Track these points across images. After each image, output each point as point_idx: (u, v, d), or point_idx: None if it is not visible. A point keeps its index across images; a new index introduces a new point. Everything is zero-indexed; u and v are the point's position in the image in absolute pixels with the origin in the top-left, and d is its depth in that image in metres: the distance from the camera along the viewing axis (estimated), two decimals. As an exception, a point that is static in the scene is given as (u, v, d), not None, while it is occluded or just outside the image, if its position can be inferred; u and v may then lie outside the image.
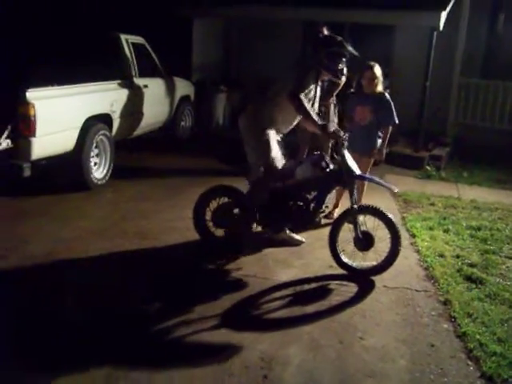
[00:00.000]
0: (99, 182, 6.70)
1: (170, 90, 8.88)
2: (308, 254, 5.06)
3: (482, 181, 8.53)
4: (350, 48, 4.69)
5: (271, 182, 4.74)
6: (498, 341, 3.71)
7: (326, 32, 7.23)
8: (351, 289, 4.41)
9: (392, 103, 5.71)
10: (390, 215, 4.54)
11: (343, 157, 4.58)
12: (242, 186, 4.98)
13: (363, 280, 4.55)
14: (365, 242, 4.56)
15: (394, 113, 5.71)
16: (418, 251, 5.30)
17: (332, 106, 7.27)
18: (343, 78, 7.27)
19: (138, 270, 4.61)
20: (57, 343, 3.43)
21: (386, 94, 5.75)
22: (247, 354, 3.40)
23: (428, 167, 8.96)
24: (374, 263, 4.60)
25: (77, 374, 3.15)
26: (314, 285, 4.47)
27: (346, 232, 4.67)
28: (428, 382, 3.25)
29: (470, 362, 3.47)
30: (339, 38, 4.77)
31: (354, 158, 5.01)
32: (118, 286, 4.25)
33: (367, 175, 5.20)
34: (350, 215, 4.60)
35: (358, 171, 4.66)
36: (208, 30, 11.53)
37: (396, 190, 5.01)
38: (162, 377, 3.18)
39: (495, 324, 3.95)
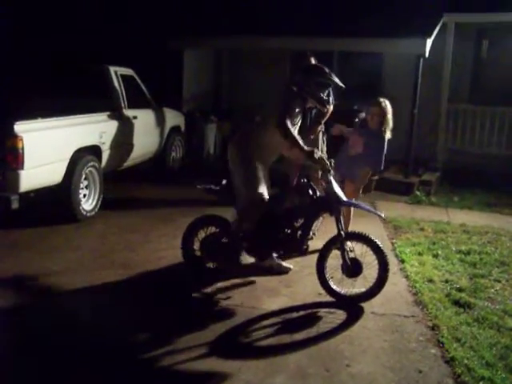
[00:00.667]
0: (88, 214, 6.69)
1: (160, 120, 8.93)
2: (296, 282, 5.04)
3: (472, 205, 8.56)
4: (336, 79, 4.78)
5: (258, 213, 4.70)
6: (487, 365, 3.70)
7: (313, 61, 7.36)
8: (339, 316, 4.39)
9: (384, 149, 5.65)
10: (378, 241, 4.54)
11: (330, 183, 4.61)
12: (230, 215, 4.98)
13: (351, 307, 4.53)
14: (353, 268, 4.54)
15: (382, 159, 5.67)
16: (406, 277, 5.29)
17: (320, 134, 7.33)
18: (329, 107, 7.39)
19: (125, 301, 4.59)
20: (41, 378, 3.39)
21: (385, 138, 5.65)
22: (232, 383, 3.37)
23: (418, 192, 8.99)
24: (363, 289, 4.58)
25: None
26: (302, 313, 4.45)
27: (335, 259, 4.66)
28: (415, 409, 3.22)
29: (457, 388, 3.44)
30: (326, 69, 4.84)
31: (340, 181, 5.25)
32: (104, 319, 4.22)
33: (354, 201, 5.19)
34: (337, 242, 4.59)
35: (344, 198, 4.68)
36: (198, 60, 11.67)
37: (383, 216, 5.04)
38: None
39: (483, 348, 3.93)
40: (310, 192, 4.70)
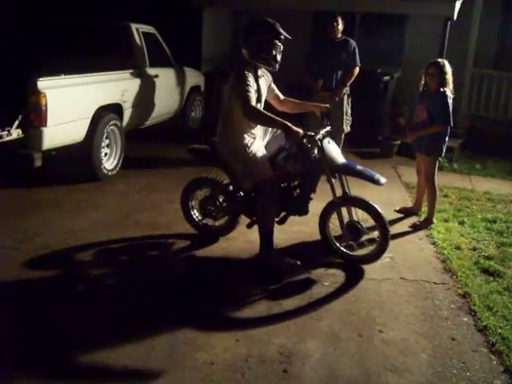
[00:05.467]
0: (110, 173, 6.64)
1: (181, 80, 8.79)
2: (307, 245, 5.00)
3: (495, 173, 8.44)
4: (279, 30, 4.20)
5: (275, 190, 4.34)
6: (520, 334, 3.65)
7: (340, 22, 7.15)
8: (369, 282, 4.33)
9: (449, 106, 5.39)
10: (376, 206, 4.35)
11: (321, 151, 4.24)
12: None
13: (382, 272, 4.47)
14: (351, 233, 4.43)
15: (449, 115, 5.41)
16: (434, 243, 5.22)
17: (345, 97, 7.20)
18: (355, 70, 7.22)
19: (149, 261, 4.56)
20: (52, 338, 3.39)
21: (448, 94, 5.41)
22: (264, 348, 3.34)
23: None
24: (366, 252, 4.55)
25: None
26: (330, 277, 4.38)
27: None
28: (451, 377, 3.18)
29: (492, 357, 3.40)
30: (265, 23, 4.23)
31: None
32: (127, 279, 4.21)
33: (351, 166, 4.46)
34: (333, 208, 4.48)
35: (341, 162, 4.38)
36: (218, 20, 11.43)
37: (383, 182, 4.37)
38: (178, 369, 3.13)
39: (516, 317, 3.88)
40: (302, 155, 4.27)
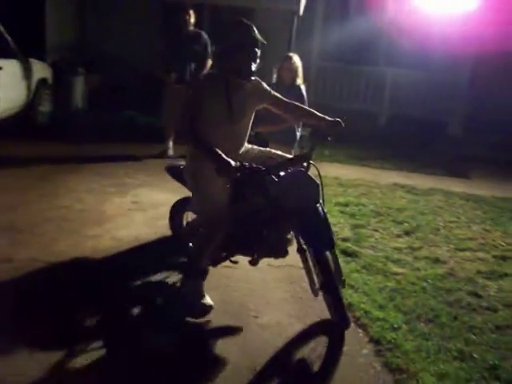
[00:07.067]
0: (-48, 174, 6.11)
1: (26, 72, 8.29)
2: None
3: (343, 159, 9.00)
4: (254, 34, 3.51)
5: (217, 233, 3.67)
6: (379, 307, 3.99)
7: (192, 15, 7.22)
8: (239, 270, 4.39)
9: (305, 95, 5.62)
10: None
11: (265, 188, 3.57)
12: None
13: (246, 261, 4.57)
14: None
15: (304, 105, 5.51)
16: (293, 230, 5.46)
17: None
18: (208, 61, 7.32)
19: (15, 276, 4.15)
20: None
21: (302, 87, 5.67)
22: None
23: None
24: None
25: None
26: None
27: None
28: (324, 352, 3.41)
29: (359, 330, 3.69)
30: (240, 26, 3.57)
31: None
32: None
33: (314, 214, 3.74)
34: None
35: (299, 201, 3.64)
36: (62, 6, 10.90)
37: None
38: None
39: (374, 292, 4.23)
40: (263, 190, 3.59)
